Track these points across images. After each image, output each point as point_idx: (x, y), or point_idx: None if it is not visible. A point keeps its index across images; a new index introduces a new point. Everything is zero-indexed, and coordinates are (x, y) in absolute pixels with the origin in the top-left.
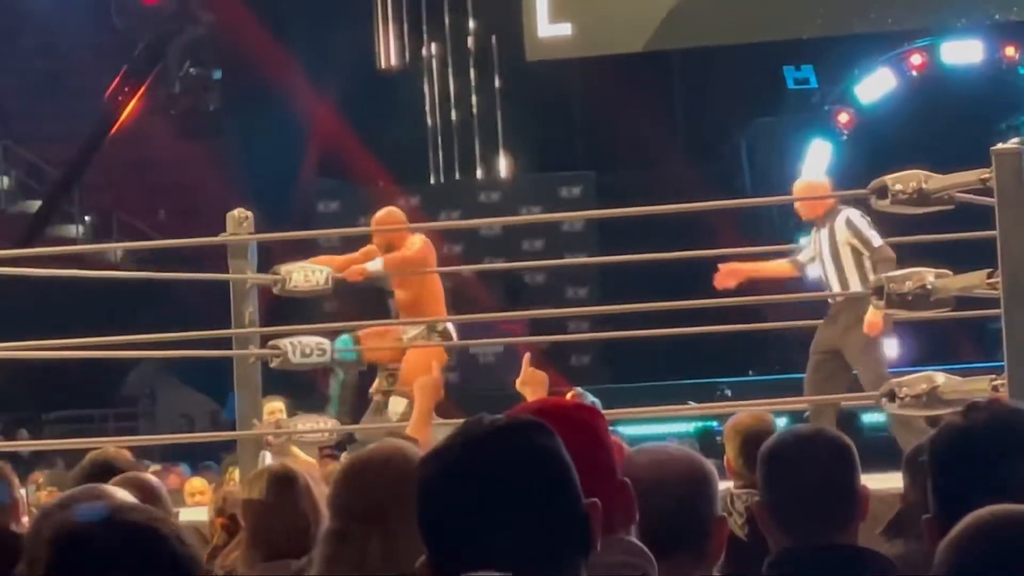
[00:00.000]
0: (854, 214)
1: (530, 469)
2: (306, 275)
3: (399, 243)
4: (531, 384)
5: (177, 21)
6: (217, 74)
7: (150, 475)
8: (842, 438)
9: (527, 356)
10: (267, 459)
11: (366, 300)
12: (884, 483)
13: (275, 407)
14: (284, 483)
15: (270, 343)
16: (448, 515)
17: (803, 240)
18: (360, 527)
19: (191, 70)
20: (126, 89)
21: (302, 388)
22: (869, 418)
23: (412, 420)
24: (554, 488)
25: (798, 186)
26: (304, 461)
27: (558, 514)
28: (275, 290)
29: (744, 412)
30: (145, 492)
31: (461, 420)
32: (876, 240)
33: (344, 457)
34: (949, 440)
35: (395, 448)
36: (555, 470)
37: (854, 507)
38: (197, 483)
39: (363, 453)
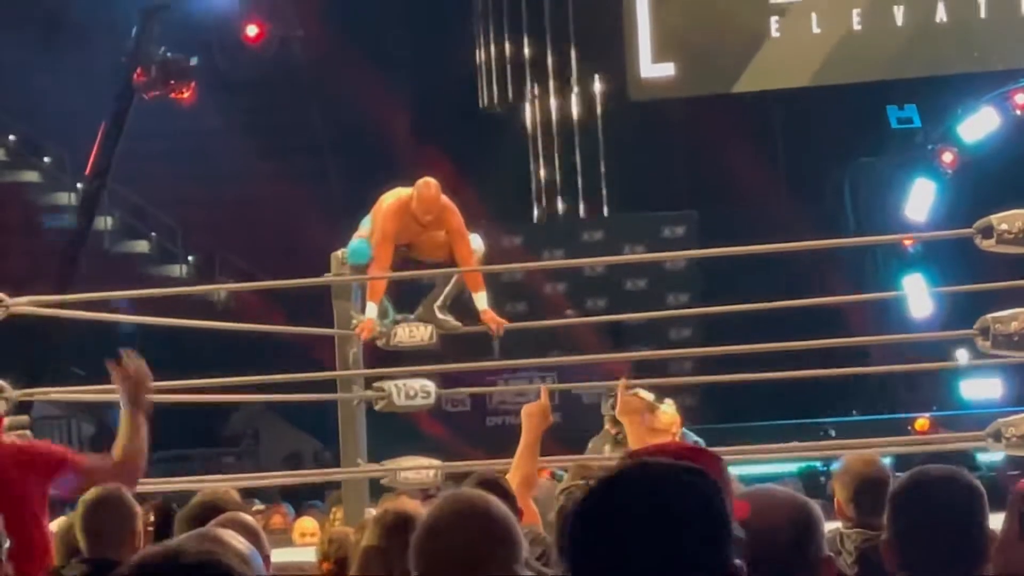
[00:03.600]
0: None
1: (691, 516)
2: (411, 331)
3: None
4: (628, 412)
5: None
6: (194, 59)
7: (246, 515)
8: (974, 481)
9: (622, 383)
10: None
11: (470, 342)
12: (999, 523)
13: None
14: (399, 528)
15: (375, 385)
16: (603, 556)
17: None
18: None
19: (167, 55)
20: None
21: (406, 430)
22: (985, 457)
23: (516, 454)
24: (712, 539)
25: None
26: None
27: (710, 567)
28: (379, 344)
29: (854, 455)
30: (246, 532)
31: (567, 458)
32: None
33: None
34: None
35: (476, 504)
36: (715, 521)
37: (982, 550)
38: (307, 523)
39: (441, 510)
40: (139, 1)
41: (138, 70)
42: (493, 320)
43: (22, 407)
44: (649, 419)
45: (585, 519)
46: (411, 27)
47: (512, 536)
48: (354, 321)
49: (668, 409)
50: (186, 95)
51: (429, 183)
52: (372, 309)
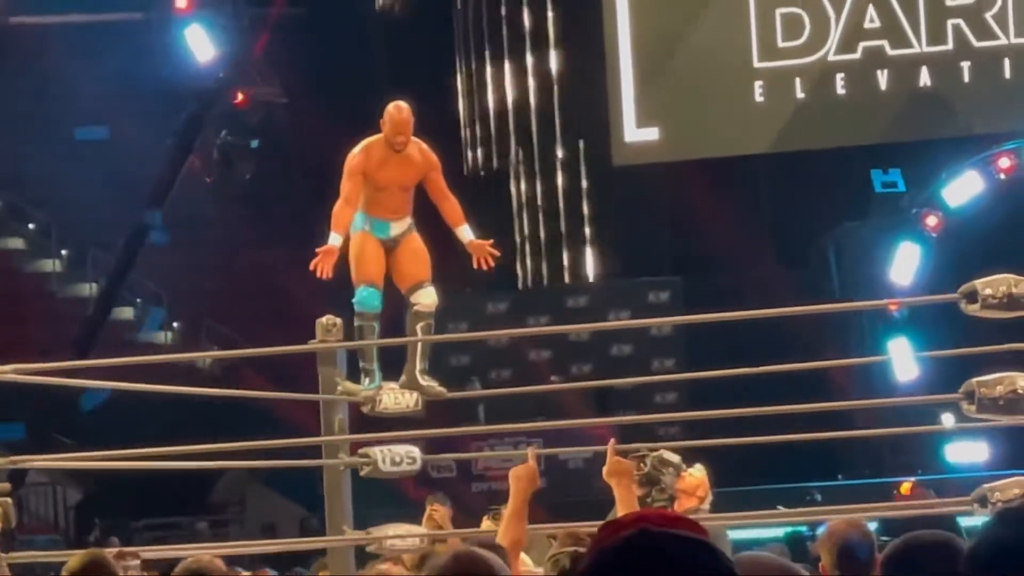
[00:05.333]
0: None
1: None
2: (396, 397)
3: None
4: (616, 474)
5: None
6: (254, 143)
7: None
8: (965, 546)
9: (611, 443)
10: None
11: (455, 408)
12: None
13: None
14: None
15: (360, 451)
16: None
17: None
18: None
19: (228, 138)
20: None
21: (391, 495)
22: (967, 523)
23: (504, 517)
24: None
25: None
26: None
27: None
28: (364, 410)
29: (839, 520)
30: None
31: (554, 526)
32: None
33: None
34: (984, 550)
35: (479, 562)
36: None
37: None
38: None
39: (446, 567)
40: (184, 85)
41: (196, 154)
42: (481, 250)
43: (16, 474)
44: (675, 481)
45: None
46: (395, 93)
47: None
48: (339, 388)
49: (696, 472)
50: (248, 177)
51: (400, 105)
52: (335, 238)
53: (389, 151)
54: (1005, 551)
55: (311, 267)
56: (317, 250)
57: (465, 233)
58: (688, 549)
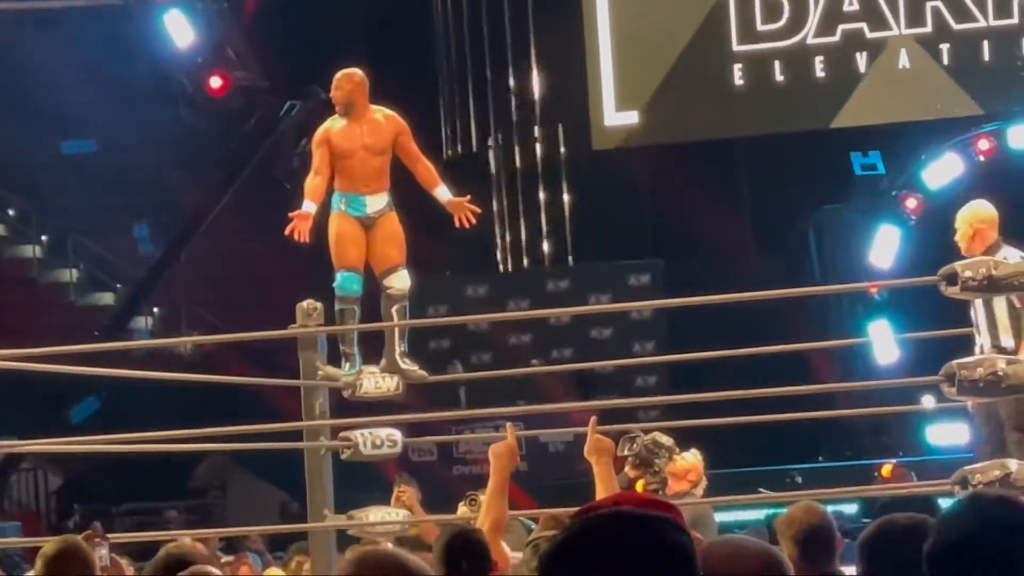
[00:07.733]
0: (1014, 254)
1: (663, 565)
2: (376, 382)
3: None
4: (597, 452)
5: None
6: None
7: (213, 568)
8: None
9: (592, 421)
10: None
11: (436, 391)
12: None
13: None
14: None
15: (341, 434)
16: None
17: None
18: None
19: (307, 147)
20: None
21: (372, 479)
22: (946, 503)
23: (485, 497)
24: None
25: (964, 213)
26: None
27: None
28: (345, 395)
29: (795, 506)
30: None
31: (534, 511)
32: None
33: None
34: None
35: (388, 563)
36: (685, 569)
37: None
38: (275, 572)
39: (355, 570)
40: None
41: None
42: (460, 207)
43: (9, 461)
44: (667, 464)
45: (558, 565)
46: (374, 77)
47: None
48: (320, 373)
49: (688, 456)
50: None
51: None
52: (308, 204)
53: (347, 118)
54: (971, 541)
55: (286, 232)
56: (291, 214)
57: (442, 193)
58: (639, 529)
